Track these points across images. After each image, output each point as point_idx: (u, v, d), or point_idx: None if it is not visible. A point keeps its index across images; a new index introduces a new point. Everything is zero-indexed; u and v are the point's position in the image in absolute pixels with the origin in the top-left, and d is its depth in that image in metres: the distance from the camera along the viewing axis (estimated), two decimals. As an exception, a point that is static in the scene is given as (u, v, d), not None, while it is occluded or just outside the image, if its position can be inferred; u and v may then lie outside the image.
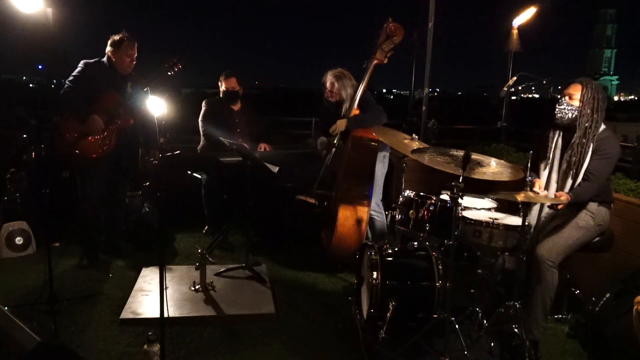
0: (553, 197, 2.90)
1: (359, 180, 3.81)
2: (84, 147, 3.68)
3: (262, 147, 4.56)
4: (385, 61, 3.87)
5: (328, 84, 4.00)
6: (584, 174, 2.84)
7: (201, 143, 4.65)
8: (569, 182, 2.90)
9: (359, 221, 3.76)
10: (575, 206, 2.89)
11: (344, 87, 3.94)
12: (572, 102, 2.89)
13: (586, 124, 2.84)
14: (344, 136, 3.90)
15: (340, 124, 3.86)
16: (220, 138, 4.27)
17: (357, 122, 3.81)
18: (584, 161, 2.84)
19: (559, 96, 2.97)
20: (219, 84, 4.57)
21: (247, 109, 4.71)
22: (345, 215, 3.75)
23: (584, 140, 2.84)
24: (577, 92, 2.88)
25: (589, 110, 2.84)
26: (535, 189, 2.84)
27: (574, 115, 2.88)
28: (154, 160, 3.92)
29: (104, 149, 3.71)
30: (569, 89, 2.92)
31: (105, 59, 3.77)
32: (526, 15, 5.50)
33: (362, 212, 3.78)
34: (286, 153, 4.81)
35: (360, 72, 3.94)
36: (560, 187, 2.94)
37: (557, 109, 2.93)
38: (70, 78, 3.71)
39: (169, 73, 3.67)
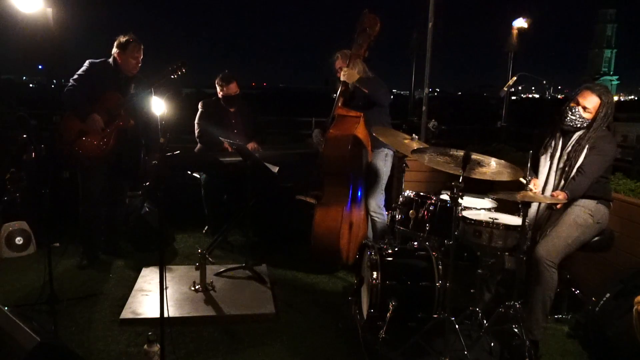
0: (550, 196, 2.90)
1: (334, 179, 3.77)
2: (82, 145, 3.68)
3: (251, 147, 4.43)
4: (365, 54, 3.78)
5: (339, 63, 3.93)
6: (577, 168, 2.87)
7: (198, 146, 4.63)
8: (563, 182, 2.91)
9: (335, 221, 3.71)
10: (571, 203, 2.89)
11: (355, 65, 3.81)
12: (584, 114, 2.91)
13: (588, 132, 2.89)
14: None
15: (351, 74, 3.72)
16: (220, 137, 4.27)
17: (364, 81, 3.71)
18: (577, 161, 2.87)
19: (571, 104, 2.94)
20: (217, 87, 4.52)
21: (244, 109, 4.67)
22: (322, 216, 3.72)
23: (579, 146, 2.88)
24: (592, 105, 2.89)
25: (598, 123, 2.89)
26: (532, 186, 2.84)
27: (582, 125, 2.92)
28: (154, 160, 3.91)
29: (103, 148, 3.71)
30: (585, 100, 2.91)
31: (111, 59, 3.78)
32: (524, 20, 5.54)
33: (338, 212, 3.72)
34: (286, 153, 4.80)
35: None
36: (557, 187, 2.95)
37: (568, 117, 2.94)
38: (75, 77, 3.72)
39: (172, 77, 3.66)
